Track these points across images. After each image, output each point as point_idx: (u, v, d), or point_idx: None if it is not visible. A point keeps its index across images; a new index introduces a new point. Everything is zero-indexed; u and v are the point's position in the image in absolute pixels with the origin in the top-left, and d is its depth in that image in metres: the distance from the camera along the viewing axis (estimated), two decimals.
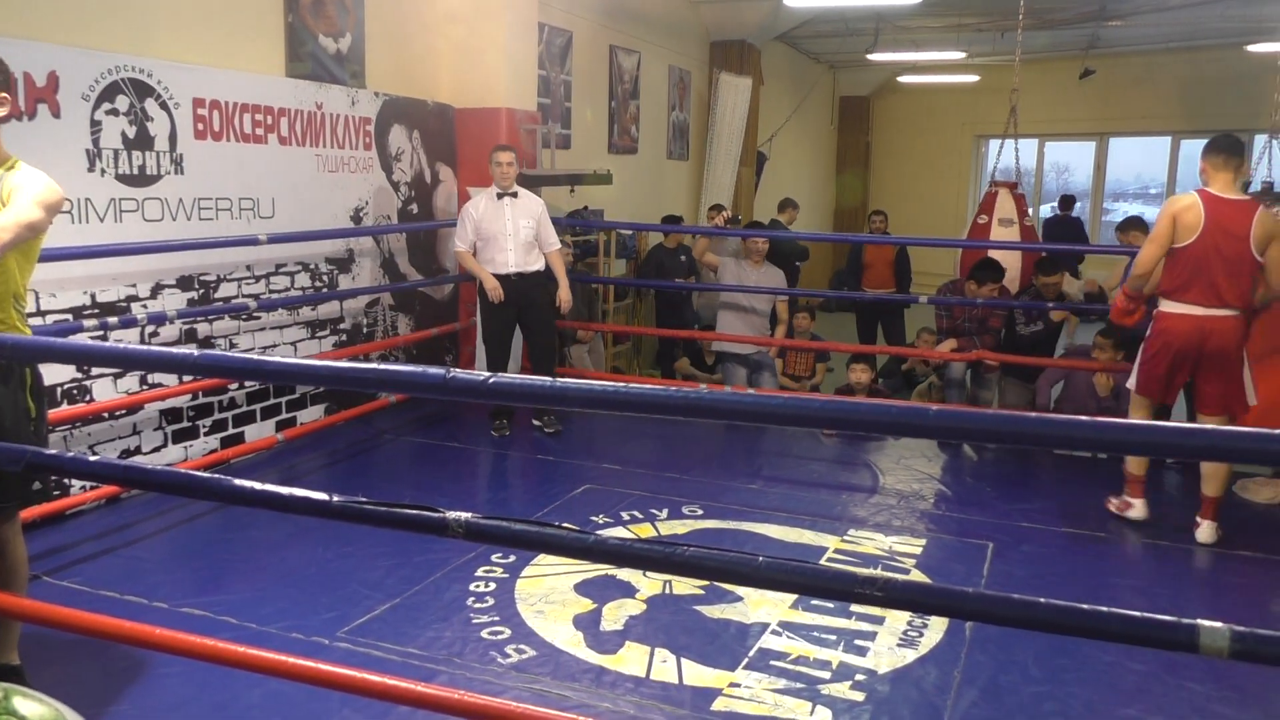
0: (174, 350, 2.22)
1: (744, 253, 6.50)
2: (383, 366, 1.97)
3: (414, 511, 1.91)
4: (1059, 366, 5.83)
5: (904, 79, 15.67)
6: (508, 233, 5.46)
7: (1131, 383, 4.47)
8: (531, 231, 5.53)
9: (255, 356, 2.13)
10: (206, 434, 4.80)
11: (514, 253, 5.49)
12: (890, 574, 1.67)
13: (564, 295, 5.68)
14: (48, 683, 2.38)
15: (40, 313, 3.94)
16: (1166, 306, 4.25)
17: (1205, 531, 4.28)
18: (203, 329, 4.75)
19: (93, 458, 3.64)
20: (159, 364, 2.29)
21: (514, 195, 5.53)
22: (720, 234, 6.64)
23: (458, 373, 1.82)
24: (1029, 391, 6.07)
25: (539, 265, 5.59)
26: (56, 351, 2.52)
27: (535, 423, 5.71)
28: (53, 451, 2.32)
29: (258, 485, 2.04)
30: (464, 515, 1.87)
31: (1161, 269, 4.25)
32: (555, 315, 5.78)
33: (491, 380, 1.79)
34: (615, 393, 1.75)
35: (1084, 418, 1.50)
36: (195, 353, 2.04)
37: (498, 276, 5.47)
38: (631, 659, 3.09)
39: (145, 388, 4.41)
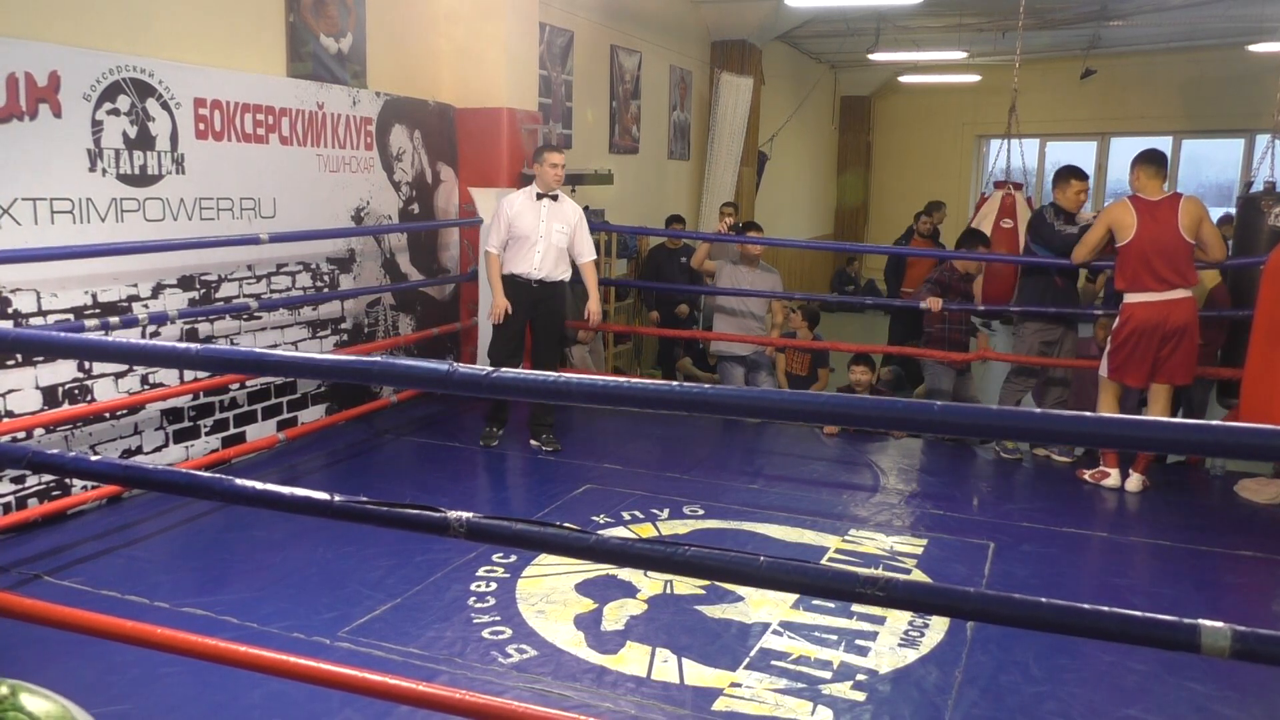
0: (175, 345, 2.22)
1: (739, 257, 6.51)
2: (386, 360, 1.95)
3: (415, 511, 1.91)
4: (1059, 365, 5.83)
5: (905, 79, 15.68)
6: (540, 234, 5.24)
7: (1104, 370, 4.95)
8: (565, 238, 5.30)
9: (256, 350, 2.12)
10: (208, 434, 4.80)
11: (541, 256, 5.25)
12: (891, 574, 1.67)
13: (594, 308, 5.47)
14: (49, 682, 2.37)
15: (41, 312, 3.94)
16: (1129, 298, 4.83)
17: (1134, 482, 4.96)
18: (204, 329, 4.75)
19: (94, 457, 3.64)
20: (159, 359, 2.28)
21: (554, 198, 5.32)
22: (723, 240, 6.64)
23: (460, 367, 1.82)
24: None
25: (564, 274, 5.37)
26: (57, 346, 2.52)
27: (534, 443, 5.44)
28: (54, 451, 2.32)
29: (259, 485, 2.04)
30: (465, 515, 1.87)
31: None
32: (563, 326, 5.59)
33: (493, 375, 1.78)
34: (616, 388, 1.75)
35: (1089, 413, 1.50)
36: (195, 347, 2.04)
37: (519, 280, 5.27)
38: (632, 659, 3.09)
39: (146, 388, 4.42)
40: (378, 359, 1.95)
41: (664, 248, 7.91)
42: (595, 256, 5.55)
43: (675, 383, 1.77)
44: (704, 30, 10.67)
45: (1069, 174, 5.47)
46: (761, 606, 3.46)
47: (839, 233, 16.81)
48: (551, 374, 1.80)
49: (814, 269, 15.38)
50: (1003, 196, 6.49)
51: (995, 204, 6.50)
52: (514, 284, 5.31)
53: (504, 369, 1.80)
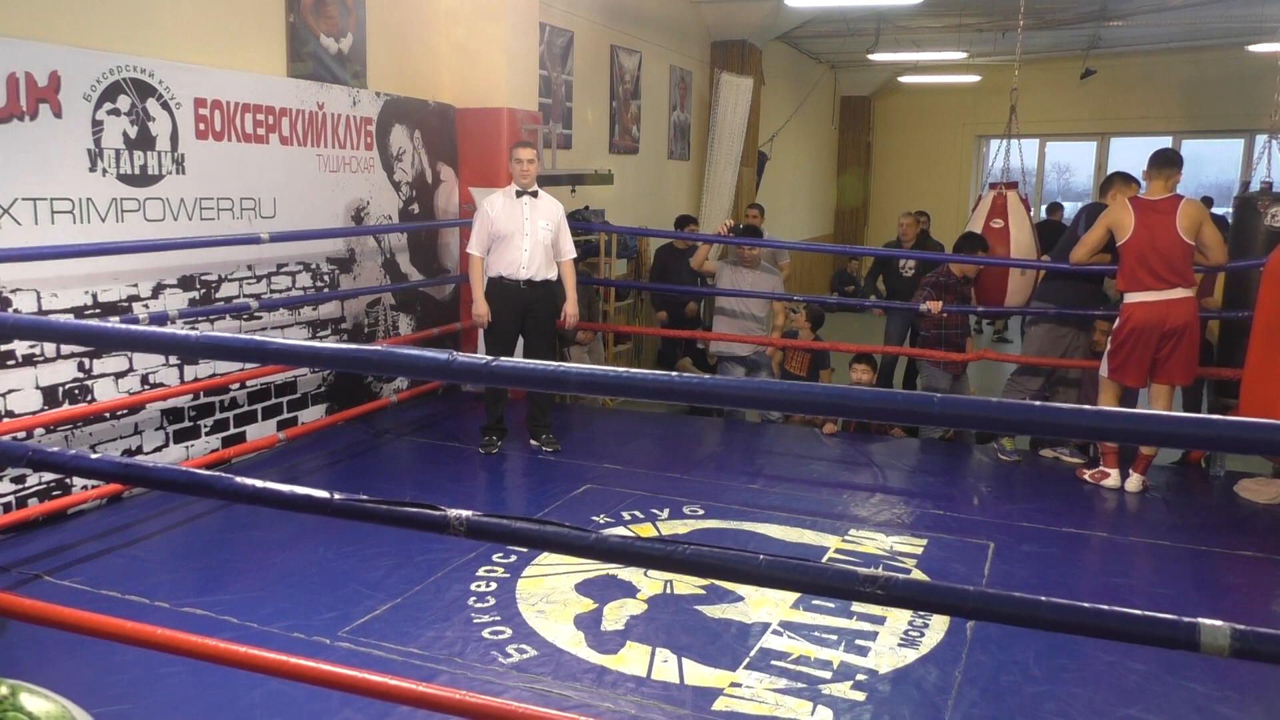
0: (174, 331, 2.22)
1: (738, 259, 6.51)
2: (385, 349, 1.95)
3: (415, 509, 1.91)
4: (1062, 365, 5.82)
5: (905, 79, 15.68)
6: (525, 232, 5.13)
7: (1104, 370, 4.95)
8: (549, 235, 5.20)
9: (255, 338, 2.13)
10: (208, 434, 4.80)
11: (528, 254, 5.14)
12: (891, 573, 1.67)
13: (570, 310, 5.37)
14: (48, 682, 2.37)
15: (42, 312, 3.94)
16: (1129, 299, 4.84)
17: (1134, 482, 4.96)
18: (204, 329, 4.74)
19: (94, 455, 3.64)
20: (159, 346, 2.28)
21: (534, 195, 5.22)
22: (722, 241, 6.64)
23: (459, 356, 1.82)
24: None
25: (552, 274, 5.28)
26: (57, 331, 2.52)
27: (534, 443, 5.42)
28: (54, 449, 2.32)
29: (259, 483, 2.04)
30: (465, 513, 1.87)
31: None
32: (555, 329, 5.51)
33: (493, 364, 1.78)
34: (615, 377, 1.74)
35: (1090, 407, 1.50)
36: (195, 334, 2.04)
37: (507, 282, 5.18)
38: (633, 659, 3.09)
39: (146, 387, 4.42)
40: (378, 349, 1.95)
41: (672, 248, 7.89)
42: (575, 255, 5.47)
43: (674, 373, 1.76)
44: (704, 30, 10.68)
45: (1123, 179, 5.31)
46: (761, 606, 3.46)
47: (839, 233, 16.81)
48: (551, 363, 1.80)
49: (814, 269, 15.39)
50: (994, 196, 6.45)
51: (987, 204, 6.46)
52: (502, 286, 5.21)
53: (503, 359, 1.80)
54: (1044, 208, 13.76)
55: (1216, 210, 11.42)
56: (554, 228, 5.26)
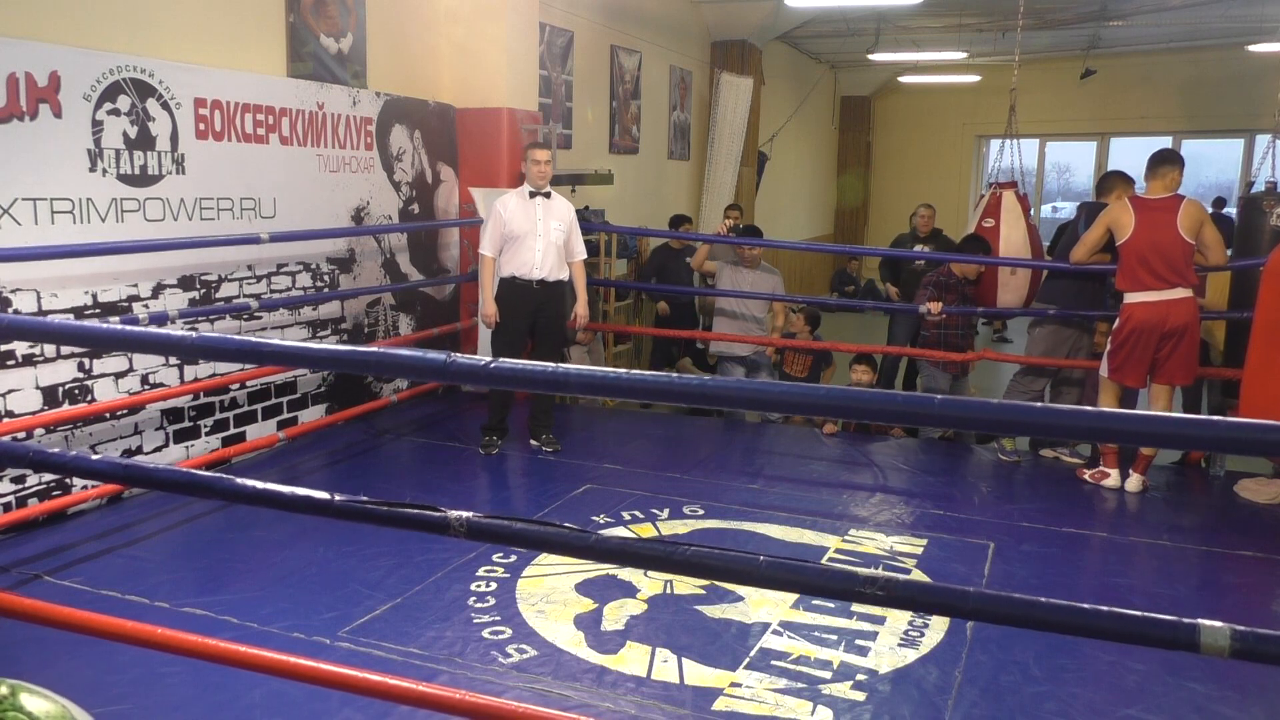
0: (171, 332, 2.21)
1: (738, 259, 6.51)
2: (383, 350, 1.94)
3: (416, 510, 1.91)
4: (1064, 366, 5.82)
5: (905, 79, 15.69)
6: (537, 233, 5.18)
7: (1104, 370, 4.95)
8: (561, 235, 5.25)
9: (252, 339, 2.12)
10: (208, 434, 4.80)
11: (541, 254, 5.18)
12: (891, 574, 1.67)
13: (581, 310, 5.42)
14: (49, 682, 2.37)
15: (42, 312, 3.94)
16: (1129, 299, 4.83)
17: (1134, 482, 4.96)
18: (204, 329, 4.74)
19: (94, 456, 3.64)
20: (157, 346, 2.27)
21: (546, 195, 5.26)
22: (722, 241, 6.63)
23: (458, 357, 1.82)
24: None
25: (564, 274, 5.31)
26: (54, 332, 2.51)
27: (534, 443, 5.43)
28: (55, 450, 2.32)
29: (260, 484, 2.04)
30: (465, 514, 1.87)
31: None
32: (564, 329, 5.52)
33: (492, 365, 1.78)
34: (615, 379, 1.74)
35: (1090, 408, 1.50)
36: (193, 335, 2.03)
37: (519, 282, 5.20)
38: (633, 659, 3.09)
39: (146, 388, 4.42)
40: (376, 350, 1.95)
41: (668, 247, 7.90)
42: (586, 256, 5.50)
43: (674, 374, 1.77)
44: (704, 30, 10.68)
45: (1122, 178, 5.30)
46: (761, 606, 3.46)
47: (839, 233, 16.81)
48: (550, 365, 1.80)
49: (814, 269, 15.39)
50: (989, 195, 6.46)
51: (984, 204, 6.48)
52: (514, 286, 5.23)
53: (502, 360, 1.79)
54: (1074, 206, 13.61)
55: (1229, 211, 11.38)
56: (566, 228, 5.30)
